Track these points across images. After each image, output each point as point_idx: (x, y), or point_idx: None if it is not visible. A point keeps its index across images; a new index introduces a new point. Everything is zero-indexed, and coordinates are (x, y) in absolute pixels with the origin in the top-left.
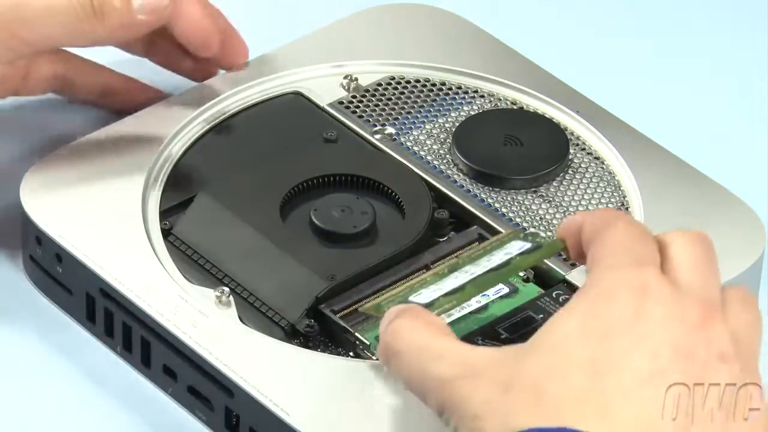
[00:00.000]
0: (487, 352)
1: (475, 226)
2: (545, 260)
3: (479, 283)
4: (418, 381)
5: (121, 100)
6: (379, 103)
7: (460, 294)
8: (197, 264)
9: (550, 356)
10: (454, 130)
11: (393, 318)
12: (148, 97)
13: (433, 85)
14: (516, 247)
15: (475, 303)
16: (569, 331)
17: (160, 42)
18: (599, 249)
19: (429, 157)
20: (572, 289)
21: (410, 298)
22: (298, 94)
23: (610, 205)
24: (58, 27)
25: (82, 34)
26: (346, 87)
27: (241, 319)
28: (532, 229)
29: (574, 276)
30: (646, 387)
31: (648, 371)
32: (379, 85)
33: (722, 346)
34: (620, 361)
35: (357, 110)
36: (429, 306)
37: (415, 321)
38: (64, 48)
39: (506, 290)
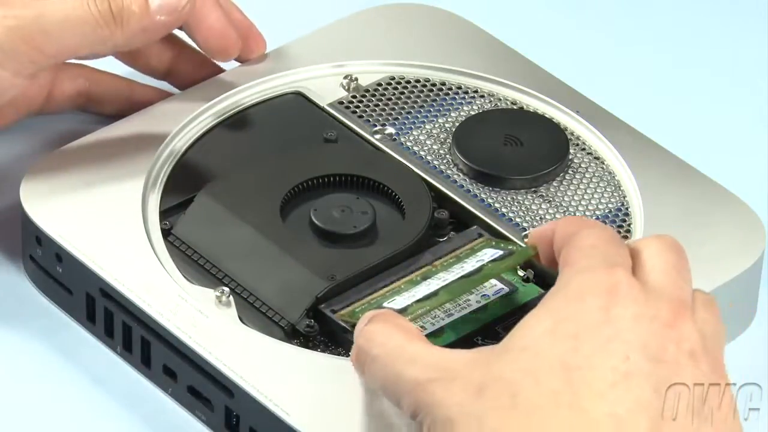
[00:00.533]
0: (461, 354)
1: (475, 226)
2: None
3: (452, 289)
4: (393, 384)
5: None
6: (379, 103)
7: (433, 300)
8: (197, 264)
9: (522, 357)
10: (454, 130)
11: (365, 323)
12: None
13: (433, 85)
14: (488, 254)
15: (475, 303)
16: (541, 333)
17: (178, 67)
18: (571, 251)
19: (429, 157)
20: None
21: (384, 305)
22: (298, 94)
23: (610, 205)
24: (78, 37)
25: (102, 42)
26: (346, 87)
27: (241, 319)
28: (532, 229)
29: None
30: (618, 387)
31: (620, 372)
32: (379, 85)
33: (692, 345)
34: (592, 362)
35: (357, 110)
36: (402, 311)
37: (387, 324)
38: (85, 62)
39: (506, 290)
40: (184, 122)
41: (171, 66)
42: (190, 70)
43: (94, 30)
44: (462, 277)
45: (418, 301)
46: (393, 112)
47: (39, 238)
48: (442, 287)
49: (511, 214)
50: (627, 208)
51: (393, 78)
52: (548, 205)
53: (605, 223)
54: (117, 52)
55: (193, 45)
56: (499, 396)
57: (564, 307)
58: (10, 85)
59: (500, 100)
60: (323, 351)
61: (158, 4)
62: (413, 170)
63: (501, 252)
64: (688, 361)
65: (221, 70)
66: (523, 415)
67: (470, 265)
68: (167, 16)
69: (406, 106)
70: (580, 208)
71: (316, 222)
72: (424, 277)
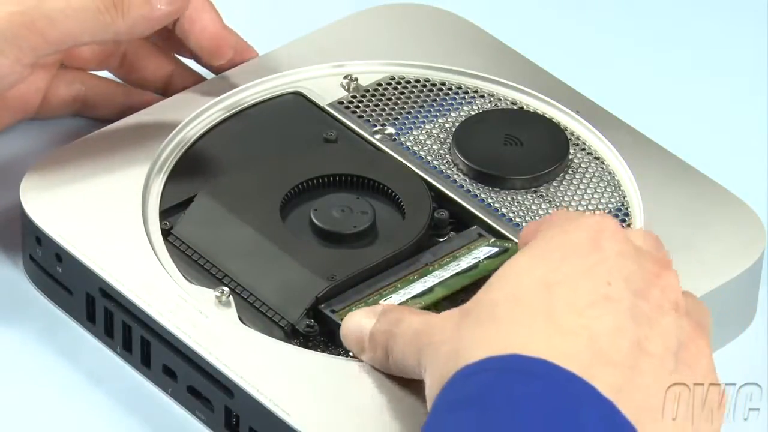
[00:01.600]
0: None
1: (475, 226)
2: None
3: (447, 285)
4: (412, 354)
5: None
6: (379, 103)
7: (428, 295)
8: (197, 264)
9: (505, 281)
10: (454, 130)
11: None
12: None
13: (433, 85)
14: (483, 252)
15: None
16: (526, 262)
17: (172, 83)
18: (557, 215)
19: (429, 157)
20: None
21: (380, 303)
22: (298, 94)
23: (610, 206)
24: (80, 23)
25: (104, 28)
26: (346, 87)
27: (241, 319)
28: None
29: None
30: (596, 307)
31: (600, 294)
32: (379, 85)
33: (677, 297)
34: (573, 280)
35: (357, 110)
36: None
37: (403, 309)
38: (86, 69)
39: None
40: (184, 122)
41: (166, 83)
42: (185, 86)
43: (96, 16)
44: (457, 273)
45: (414, 297)
46: (393, 112)
47: (39, 238)
48: (438, 283)
49: (511, 214)
50: (627, 208)
51: (393, 78)
52: (548, 205)
53: None
54: (121, 39)
55: (188, 63)
56: (480, 314)
57: (549, 240)
58: (10, 72)
59: (500, 100)
60: (323, 351)
61: None
62: (413, 170)
63: (497, 249)
64: (671, 309)
65: None
66: (500, 326)
67: (465, 262)
68: (167, 6)
69: (406, 106)
70: (580, 208)
71: (316, 222)
72: (420, 277)
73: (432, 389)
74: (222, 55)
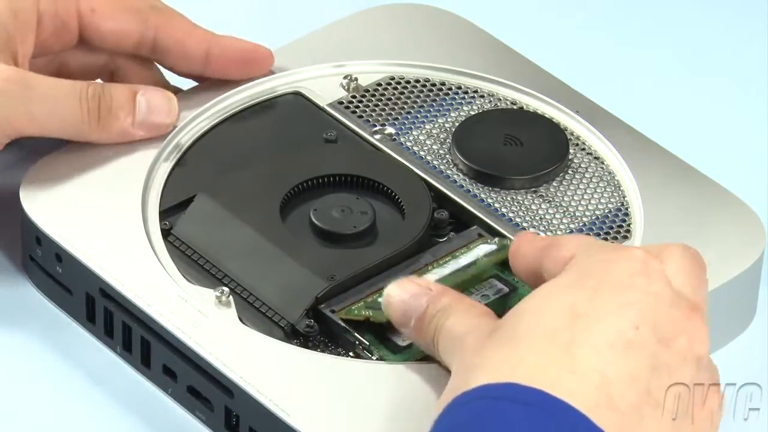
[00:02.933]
0: None
1: (475, 226)
2: None
3: (445, 281)
4: (447, 356)
5: None
6: (379, 103)
7: None
8: (197, 264)
9: (535, 303)
10: (454, 130)
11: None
12: None
13: (433, 85)
14: (483, 249)
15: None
16: (563, 283)
17: None
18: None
19: (429, 157)
20: None
21: (380, 301)
22: (298, 94)
23: (609, 205)
24: (59, 125)
25: (80, 134)
26: (346, 87)
27: (241, 319)
28: (532, 229)
29: None
30: (615, 350)
31: (624, 337)
32: (379, 85)
33: (702, 351)
34: (601, 316)
35: (357, 110)
36: None
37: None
38: None
39: (506, 290)
40: (184, 122)
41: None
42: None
43: (77, 124)
44: (456, 270)
45: None
46: (393, 112)
47: (39, 238)
48: (437, 280)
49: (511, 214)
50: (627, 208)
51: (393, 78)
52: (548, 205)
53: (605, 222)
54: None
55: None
56: (504, 334)
57: (591, 267)
58: None
59: (500, 100)
60: (323, 351)
61: (142, 120)
62: (413, 170)
63: (495, 246)
64: (693, 362)
65: None
66: (514, 348)
67: (464, 260)
68: (147, 132)
69: (406, 106)
70: (580, 208)
71: (315, 222)
72: (420, 277)
73: (442, 401)
74: (256, 63)
